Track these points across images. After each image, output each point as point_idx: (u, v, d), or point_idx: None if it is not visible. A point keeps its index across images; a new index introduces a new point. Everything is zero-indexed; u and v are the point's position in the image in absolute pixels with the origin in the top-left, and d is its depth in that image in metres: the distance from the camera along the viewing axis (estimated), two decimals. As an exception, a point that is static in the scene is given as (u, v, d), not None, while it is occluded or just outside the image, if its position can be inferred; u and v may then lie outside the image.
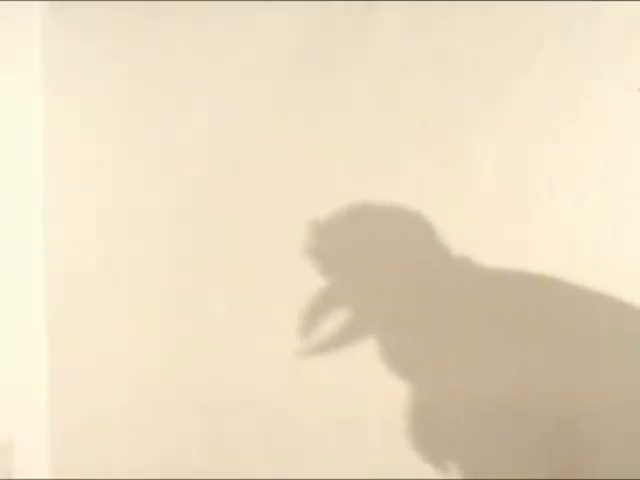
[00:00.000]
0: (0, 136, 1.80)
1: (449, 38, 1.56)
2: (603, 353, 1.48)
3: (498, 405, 1.55)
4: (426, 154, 1.59)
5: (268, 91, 1.71)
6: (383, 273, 1.63)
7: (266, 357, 1.73)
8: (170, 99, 1.79)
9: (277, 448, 1.74)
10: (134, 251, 1.85)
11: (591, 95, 1.47)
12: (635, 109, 1.44)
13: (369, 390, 1.64)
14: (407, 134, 1.60)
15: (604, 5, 1.45)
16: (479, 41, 1.54)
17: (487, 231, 1.55)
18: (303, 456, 1.71)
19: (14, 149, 1.84)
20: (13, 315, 1.85)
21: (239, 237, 1.75)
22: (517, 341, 1.54)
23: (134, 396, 1.86)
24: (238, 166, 1.74)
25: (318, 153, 1.68)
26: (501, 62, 1.53)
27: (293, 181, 1.70)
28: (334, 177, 1.67)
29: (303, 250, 1.68)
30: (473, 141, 1.56)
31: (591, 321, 1.49)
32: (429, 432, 1.60)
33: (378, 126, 1.62)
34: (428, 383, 1.61)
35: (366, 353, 1.63)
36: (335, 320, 1.65)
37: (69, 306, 1.92)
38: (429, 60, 1.58)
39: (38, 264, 1.91)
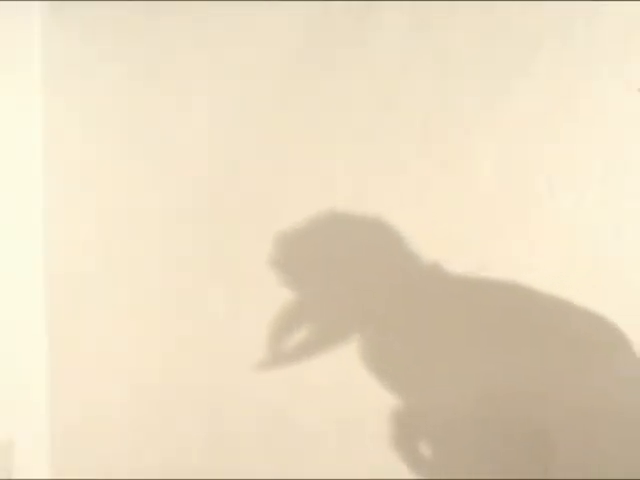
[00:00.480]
0: (0, 136, 1.80)
1: (449, 38, 1.56)
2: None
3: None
4: (426, 154, 1.59)
5: (268, 91, 1.71)
6: (379, 274, 1.63)
7: (265, 359, 1.73)
8: (170, 99, 1.79)
9: (277, 448, 1.74)
10: (134, 251, 1.85)
11: (591, 95, 1.47)
12: (635, 109, 1.44)
13: (368, 390, 1.64)
14: (407, 134, 1.60)
15: (604, 5, 1.45)
16: (479, 41, 1.54)
17: (487, 231, 1.55)
18: (303, 456, 1.71)
19: (14, 149, 1.84)
20: (13, 315, 1.85)
21: (239, 237, 1.75)
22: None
23: (134, 396, 1.86)
24: (238, 166, 1.74)
25: (318, 153, 1.68)
26: (501, 62, 1.53)
27: (293, 181, 1.70)
28: (334, 177, 1.67)
29: (302, 249, 1.68)
30: (473, 141, 1.56)
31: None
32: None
33: (378, 126, 1.62)
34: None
35: (363, 354, 1.63)
36: (328, 322, 1.65)
37: (69, 306, 1.92)
38: (429, 60, 1.58)
39: (38, 264, 1.91)
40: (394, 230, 1.62)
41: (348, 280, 1.66)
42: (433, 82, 1.58)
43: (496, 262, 1.54)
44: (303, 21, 1.67)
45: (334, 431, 1.68)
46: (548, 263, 1.51)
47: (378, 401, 1.62)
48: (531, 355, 1.52)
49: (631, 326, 1.46)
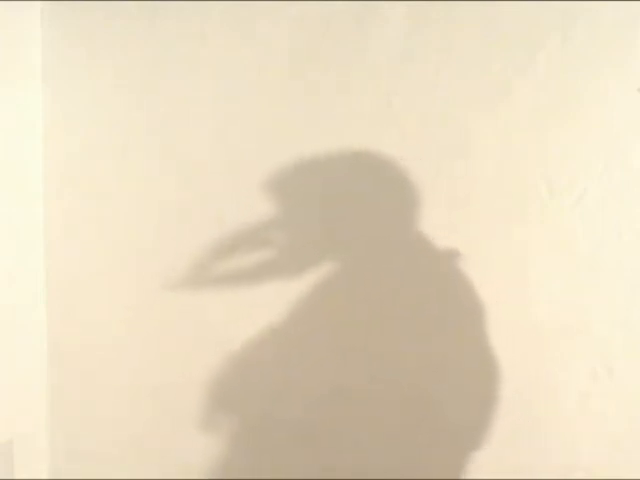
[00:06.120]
0: (0, 136, 1.80)
1: (449, 38, 1.56)
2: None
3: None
4: (426, 154, 1.59)
5: (268, 91, 1.71)
6: (371, 274, 1.64)
7: (262, 359, 1.73)
8: (170, 99, 1.79)
9: (277, 448, 1.74)
10: (134, 251, 1.85)
11: (591, 95, 1.47)
12: (635, 109, 1.45)
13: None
14: (407, 134, 1.60)
15: (604, 5, 1.45)
16: (479, 41, 1.54)
17: (487, 231, 1.55)
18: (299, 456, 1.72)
19: (14, 149, 1.84)
20: (13, 315, 1.85)
21: (240, 237, 1.74)
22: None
23: (134, 396, 1.86)
24: (239, 166, 1.74)
25: (318, 153, 1.68)
26: (501, 62, 1.53)
27: (292, 181, 1.70)
28: (334, 177, 1.67)
29: (299, 247, 1.69)
30: (473, 141, 1.56)
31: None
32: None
33: (378, 126, 1.62)
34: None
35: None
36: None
37: (69, 306, 1.92)
38: (429, 60, 1.58)
39: (38, 264, 1.91)
40: (393, 229, 1.62)
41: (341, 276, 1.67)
42: (433, 82, 1.58)
43: (496, 262, 1.55)
44: (303, 21, 1.67)
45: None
46: (548, 263, 1.51)
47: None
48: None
49: (631, 326, 1.47)
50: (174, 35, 1.78)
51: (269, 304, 1.72)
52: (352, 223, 1.66)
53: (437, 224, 1.58)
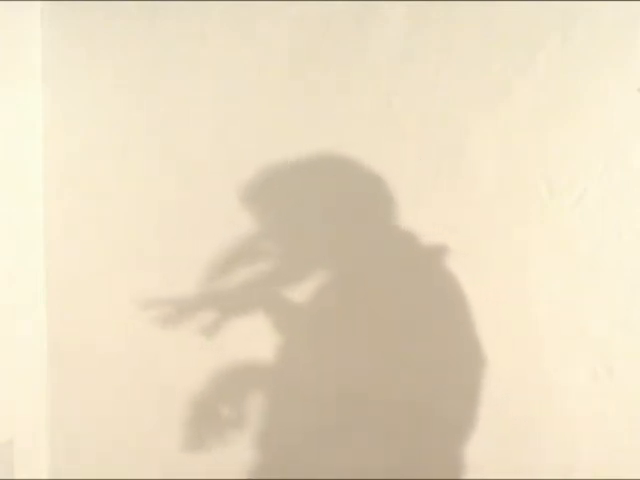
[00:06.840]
0: (0, 136, 1.80)
1: (449, 38, 1.56)
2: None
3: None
4: (426, 154, 1.59)
5: (268, 91, 1.71)
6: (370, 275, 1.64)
7: (260, 360, 1.73)
8: (170, 99, 1.79)
9: (278, 448, 1.74)
10: (134, 251, 1.85)
11: (591, 95, 1.47)
12: (635, 109, 1.45)
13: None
14: (407, 134, 1.60)
15: (604, 5, 1.45)
16: (479, 41, 1.54)
17: (487, 231, 1.55)
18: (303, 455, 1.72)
19: (14, 149, 1.84)
20: (13, 315, 1.85)
21: (239, 237, 1.74)
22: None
23: (134, 396, 1.86)
24: (239, 166, 1.74)
25: (318, 153, 1.68)
26: (501, 62, 1.53)
27: (293, 181, 1.70)
28: (334, 177, 1.67)
29: (300, 248, 1.68)
30: (473, 141, 1.56)
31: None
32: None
33: (378, 126, 1.62)
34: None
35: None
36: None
37: (69, 306, 1.92)
38: (429, 60, 1.58)
39: (38, 264, 1.91)
40: (393, 229, 1.62)
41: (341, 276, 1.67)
42: (433, 82, 1.58)
43: (496, 262, 1.55)
44: (303, 21, 1.67)
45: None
46: (548, 263, 1.51)
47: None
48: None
49: (631, 326, 1.47)
50: (174, 35, 1.78)
51: (271, 304, 1.72)
52: (352, 223, 1.66)
53: (437, 224, 1.58)
